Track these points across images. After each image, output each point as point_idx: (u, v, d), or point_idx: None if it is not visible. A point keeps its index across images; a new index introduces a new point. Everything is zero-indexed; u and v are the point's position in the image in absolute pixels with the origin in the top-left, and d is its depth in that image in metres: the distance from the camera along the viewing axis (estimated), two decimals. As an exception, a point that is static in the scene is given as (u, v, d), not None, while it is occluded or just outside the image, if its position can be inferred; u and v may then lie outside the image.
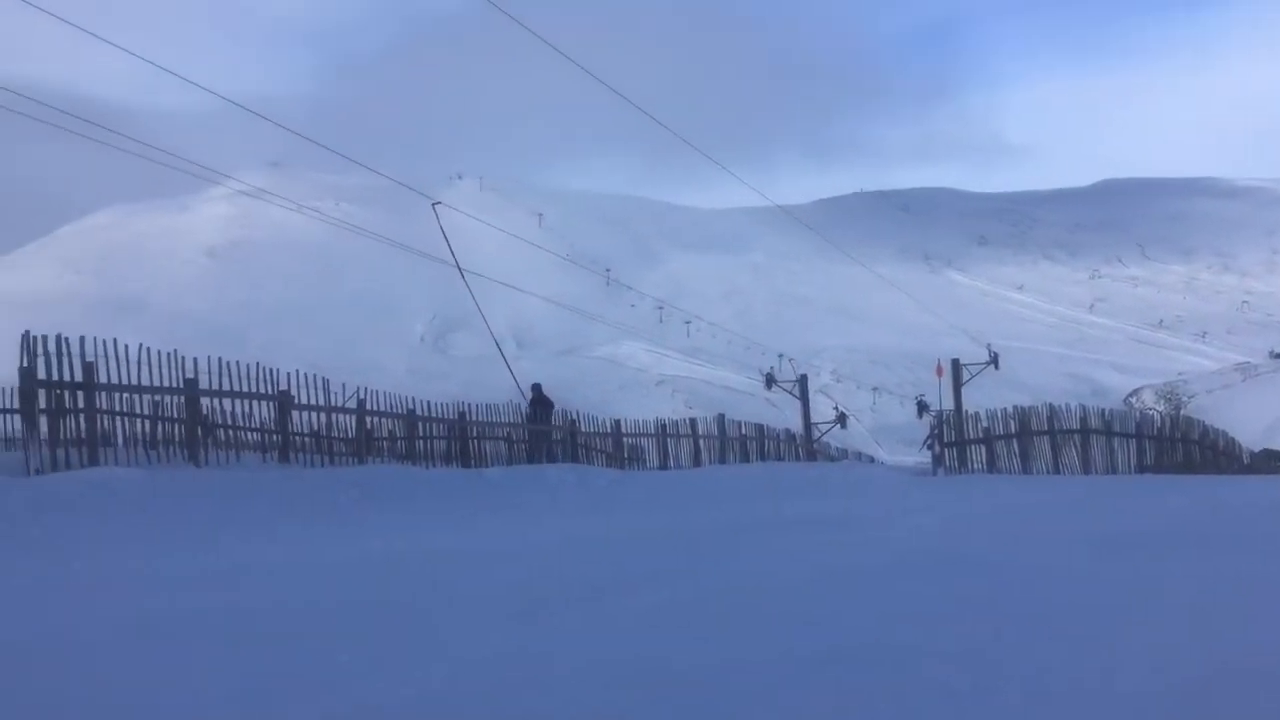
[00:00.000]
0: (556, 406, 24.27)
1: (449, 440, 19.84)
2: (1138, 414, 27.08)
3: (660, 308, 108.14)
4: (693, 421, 27.79)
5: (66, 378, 12.36)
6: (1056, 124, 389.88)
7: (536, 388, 24.38)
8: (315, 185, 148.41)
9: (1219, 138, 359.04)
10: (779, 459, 27.69)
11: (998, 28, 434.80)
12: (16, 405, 12.98)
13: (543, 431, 22.93)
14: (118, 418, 13.29)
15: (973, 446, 21.79)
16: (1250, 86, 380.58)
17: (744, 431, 27.92)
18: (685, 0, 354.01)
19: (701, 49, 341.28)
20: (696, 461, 25.38)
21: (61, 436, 12.11)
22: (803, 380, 36.76)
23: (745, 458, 26.50)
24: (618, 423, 25.45)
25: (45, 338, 12.46)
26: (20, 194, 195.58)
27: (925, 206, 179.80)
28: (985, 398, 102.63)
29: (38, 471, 11.47)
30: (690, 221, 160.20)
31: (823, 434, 38.54)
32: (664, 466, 24.70)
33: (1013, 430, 21.74)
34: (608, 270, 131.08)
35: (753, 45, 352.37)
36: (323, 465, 15.61)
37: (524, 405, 23.16)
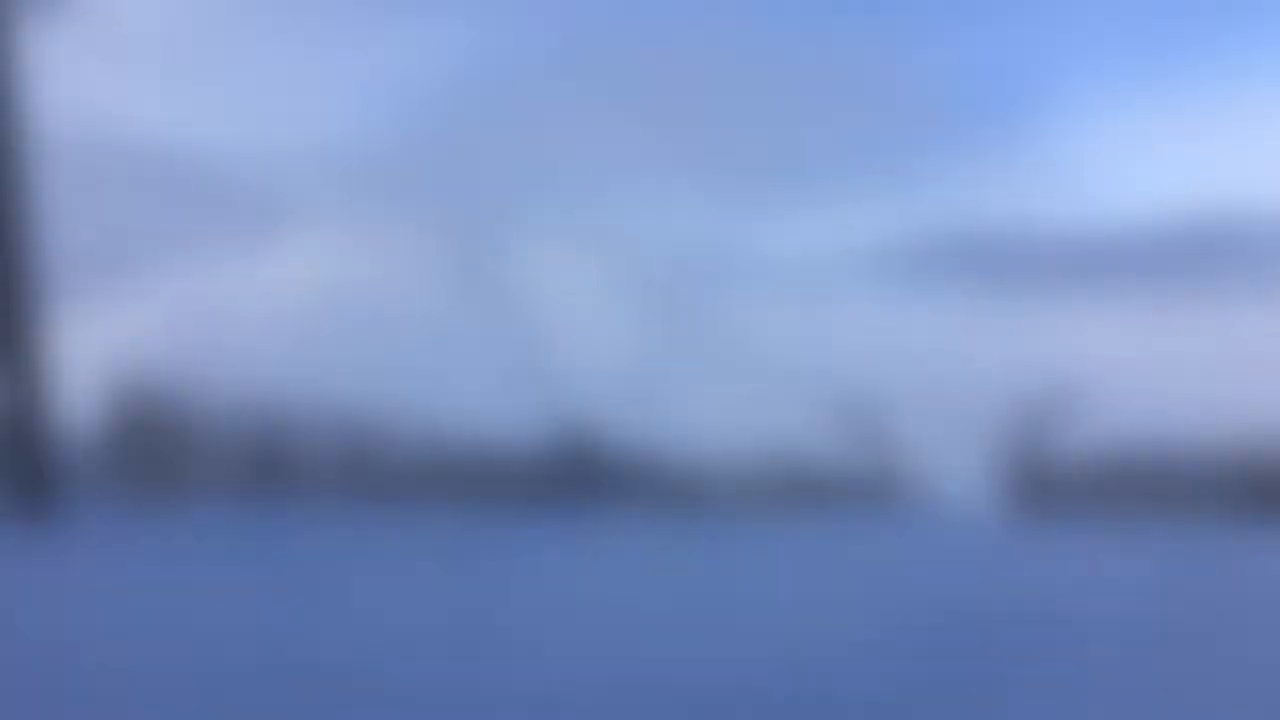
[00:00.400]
0: None
1: None
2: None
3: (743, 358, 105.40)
4: None
5: None
6: (1136, 155, 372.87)
7: None
8: (390, 231, 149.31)
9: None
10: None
11: (1075, 56, 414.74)
12: None
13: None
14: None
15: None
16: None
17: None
18: (751, 35, 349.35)
19: (770, 85, 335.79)
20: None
21: None
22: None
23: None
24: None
25: None
26: (92, 246, 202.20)
27: (993, 245, 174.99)
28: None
29: None
30: (764, 263, 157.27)
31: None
32: None
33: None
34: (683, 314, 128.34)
35: (821, 80, 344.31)
36: None
37: None
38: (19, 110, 21.74)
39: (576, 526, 21.42)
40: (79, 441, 27.80)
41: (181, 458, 29.08)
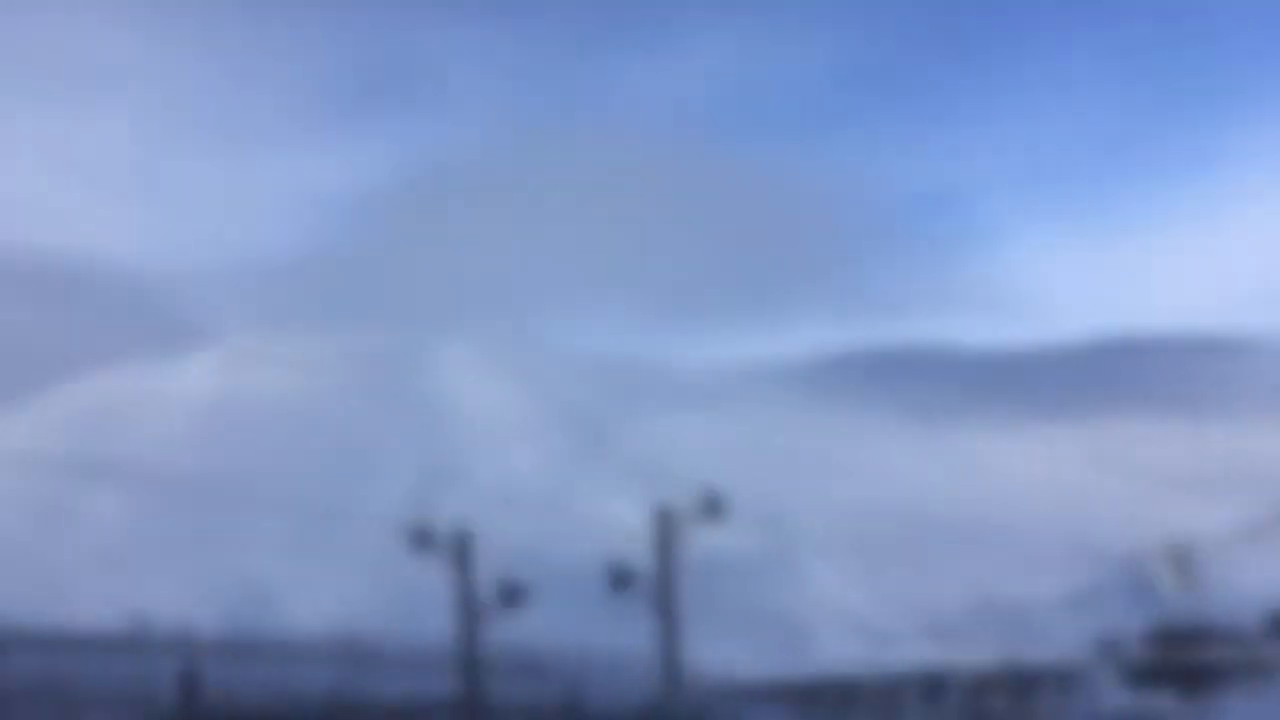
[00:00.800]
0: None
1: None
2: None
3: (648, 464, 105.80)
4: None
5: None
6: (1053, 281, 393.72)
7: None
8: (307, 343, 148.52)
9: (1221, 293, 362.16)
10: None
11: (1003, 191, 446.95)
12: None
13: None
14: None
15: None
16: (1252, 242, 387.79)
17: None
18: (692, 151, 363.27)
19: (706, 200, 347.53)
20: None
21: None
22: (462, 540, 19.75)
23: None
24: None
25: None
26: (9, 354, 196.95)
27: (922, 362, 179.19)
28: (979, 557, 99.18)
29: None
30: (679, 378, 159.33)
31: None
32: None
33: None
34: (595, 427, 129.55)
35: (759, 198, 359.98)
36: None
37: None
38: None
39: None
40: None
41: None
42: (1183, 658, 62.35)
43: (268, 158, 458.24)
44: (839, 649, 75.07)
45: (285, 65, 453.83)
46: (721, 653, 73.46)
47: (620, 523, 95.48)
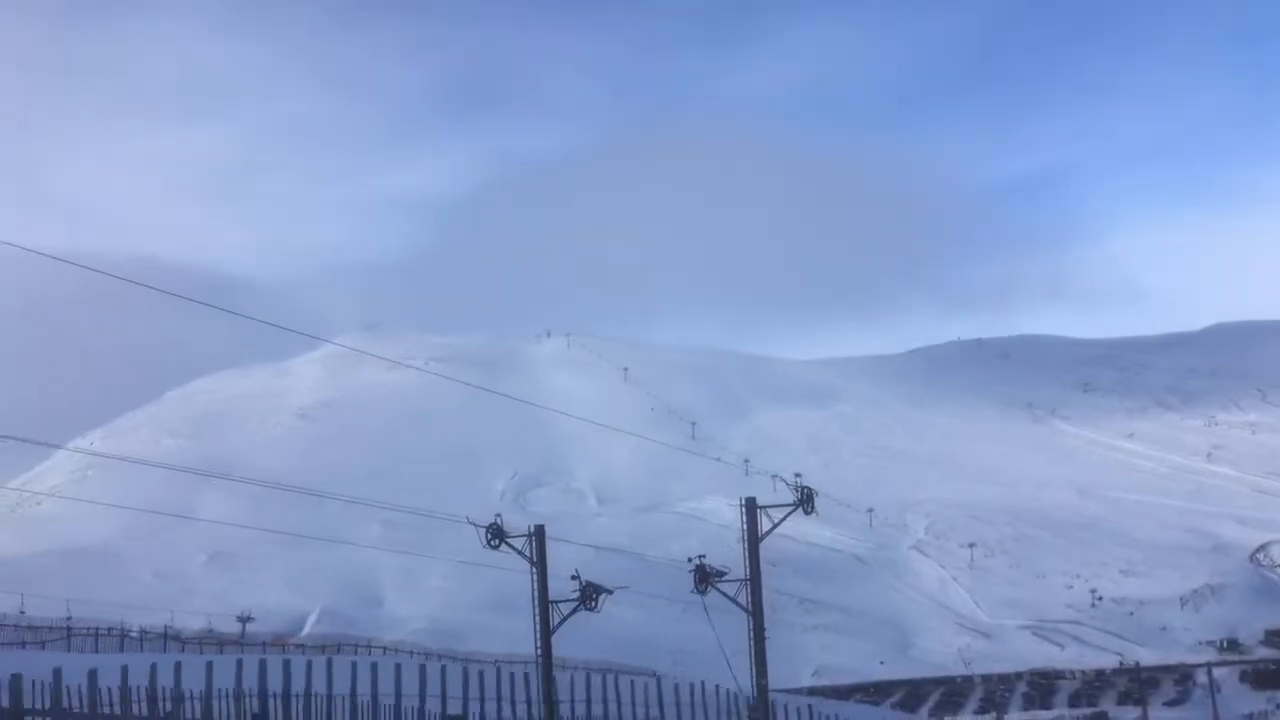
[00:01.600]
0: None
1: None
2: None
3: (746, 461, 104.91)
4: None
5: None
6: (1164, 268, 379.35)
7: None
8: (407, 345, 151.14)
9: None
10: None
11: (1106, 175, 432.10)
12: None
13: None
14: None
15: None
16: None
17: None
18: (783, 145, 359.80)
19: (801, 194, 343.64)
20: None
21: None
22: (538, 535, 18.22)
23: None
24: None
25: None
26: (130, 361, 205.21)
27: (1027, 354, 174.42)
28: (1089, 554, 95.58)
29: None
30: (778, 373, 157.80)
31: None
32: None
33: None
34: (693, 424, 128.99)
35: (856, 190, 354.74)
36: None
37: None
38: None
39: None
40: None
41: None
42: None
43: (369, 165, 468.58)
44: (942, 648, 73.26)
45: (383, 73, 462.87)
46: (828, 652, 72.45)
47: (717, 518, 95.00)
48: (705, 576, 20.44)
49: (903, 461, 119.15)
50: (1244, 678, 60.15)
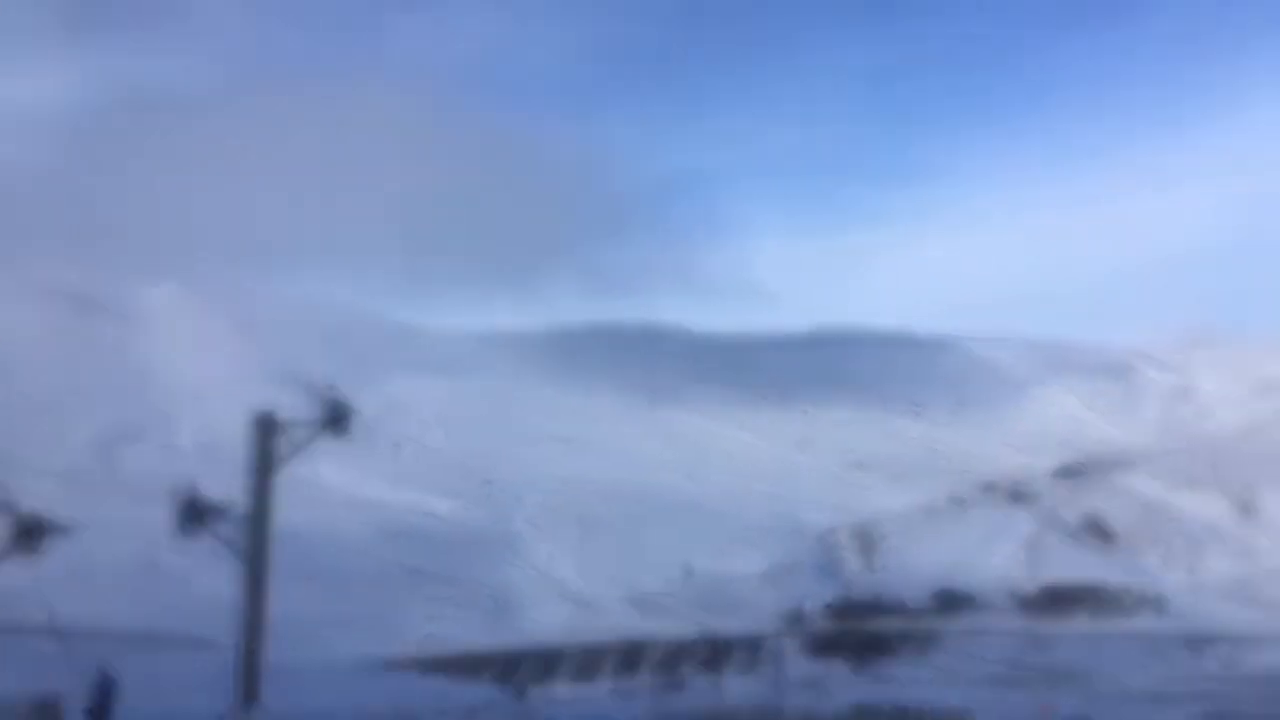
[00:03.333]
0: None
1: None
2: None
3: (368, 426, 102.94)
4: None
5: None
6: (783, 272, 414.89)
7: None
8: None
9: (927, 297, 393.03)
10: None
11: (746, 179, 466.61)
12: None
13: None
14: None
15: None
16: (953, 252, 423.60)
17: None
18: (459, 116, 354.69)
19: (471, 166, 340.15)
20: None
21: None
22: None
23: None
24: None
25: None
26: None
27: (652, 342, 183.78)
28: (688, 533, 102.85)
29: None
30: (416, 342, 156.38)
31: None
32: None
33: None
34: (320, 385, 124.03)
35: (527, 170, 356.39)
36: None
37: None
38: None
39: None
40: None
41: None
42: (857, 629, 67.55)
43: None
44: (546, 619, 76.03)
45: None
46: (434, 621, 72.94)
47: (338, 487, 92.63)
48: (198, 513, 16.97)
49: (528, 438, 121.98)
50: (805, 647, 67.49)
